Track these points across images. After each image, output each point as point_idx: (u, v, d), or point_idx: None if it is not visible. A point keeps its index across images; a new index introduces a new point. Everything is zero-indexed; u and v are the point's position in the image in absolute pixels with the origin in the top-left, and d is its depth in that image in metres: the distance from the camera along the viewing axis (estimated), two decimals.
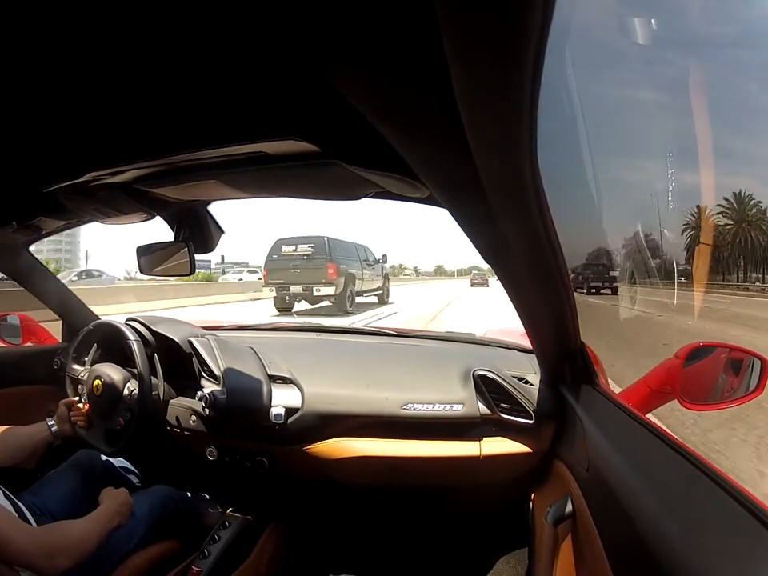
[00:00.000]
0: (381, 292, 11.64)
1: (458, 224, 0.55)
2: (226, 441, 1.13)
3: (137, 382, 1.15)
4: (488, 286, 24.99)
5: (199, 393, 1.06)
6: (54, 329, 1.55)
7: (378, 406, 1.05)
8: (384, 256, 12.09)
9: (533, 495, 1.01)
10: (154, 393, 1.14)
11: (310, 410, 1.05)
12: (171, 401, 1.17)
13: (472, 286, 26.26)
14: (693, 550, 0.38)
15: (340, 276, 9.22)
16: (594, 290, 8.08)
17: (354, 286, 9.86)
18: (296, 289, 9.15)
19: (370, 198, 0.75)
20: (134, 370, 1.16)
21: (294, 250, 9.46)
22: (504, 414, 1.01)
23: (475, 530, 1.28)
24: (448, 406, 1.03)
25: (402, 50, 0.28)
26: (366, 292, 10.72)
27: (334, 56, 0.30)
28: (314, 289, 9.03)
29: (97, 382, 1.17)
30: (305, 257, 9.27)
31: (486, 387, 1.03)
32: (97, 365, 1.24)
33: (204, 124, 0.57)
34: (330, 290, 9.08)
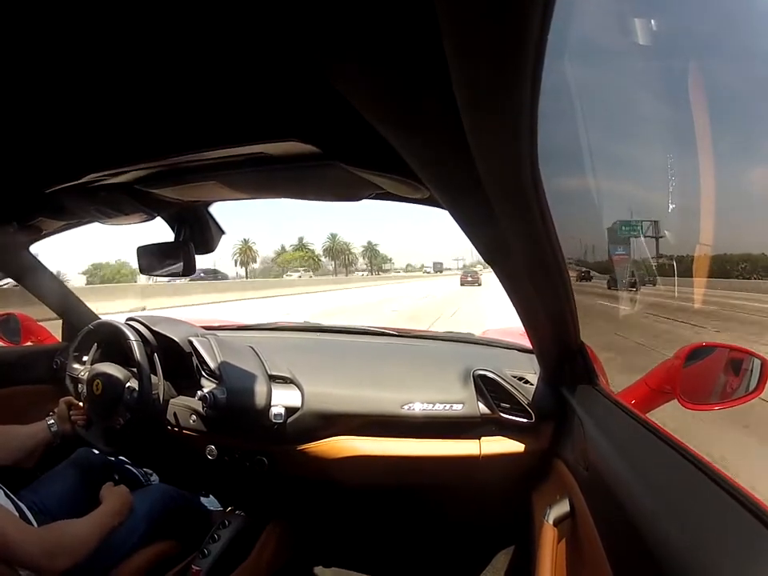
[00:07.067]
0: None
1: (459, 224, 0.56)
2: (225, 440, 1.13)
3: (137, 382, 1.15)
4: (480, 284, 23.76)
5: (199, 392, 1.06)
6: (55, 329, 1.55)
7: (378, 405, 1.05)
8: None
9: (532, 495, 1.01)
10: (153, 392, 1.15)
11: (310, 409, 1.05)
12: (171, 400, 1.17)
13: (462, 285, 24.87)
14: (693, 549, 0.38)
15: None
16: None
17: None
18: None
19: (370, 198, 0.76)
20: (134, 370, 1.16)
21: None
22: (504, 413, 1.01)
23: (475, 529, 1.28)
24: (448, 406, 1.03)
25: (404, 53, 0.28)
26: None
27: (336, 59, 0.30)
28: None
29: (97, 381, 1.18)
30: None
31: (486, 387, 1.03)
32: (97, 364, 1.24)
33: (205, 125, 0.57)
34: None
